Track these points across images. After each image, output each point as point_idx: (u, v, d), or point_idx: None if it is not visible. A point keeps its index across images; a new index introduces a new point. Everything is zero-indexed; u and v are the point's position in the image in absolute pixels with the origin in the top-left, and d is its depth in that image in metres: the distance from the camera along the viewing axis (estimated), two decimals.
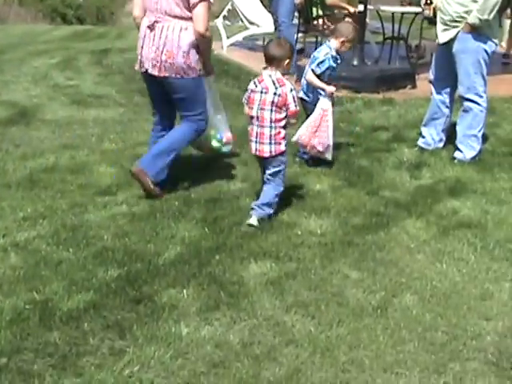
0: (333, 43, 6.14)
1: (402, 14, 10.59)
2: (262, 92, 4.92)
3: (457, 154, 6.47)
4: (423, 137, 6.82)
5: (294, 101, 4.91)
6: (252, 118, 4.99)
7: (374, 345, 3.50)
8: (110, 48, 13.49)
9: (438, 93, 6.68)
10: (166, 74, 5.25)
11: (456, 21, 6.25)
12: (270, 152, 4.96)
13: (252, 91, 4.99)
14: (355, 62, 9.44)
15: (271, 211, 5.03)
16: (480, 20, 6.09)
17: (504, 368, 3.34)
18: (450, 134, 6.77)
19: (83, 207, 5.22)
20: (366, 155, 6.52)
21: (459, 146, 6.47)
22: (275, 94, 4.88)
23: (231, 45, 12.21)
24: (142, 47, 5.31)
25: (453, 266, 4.37)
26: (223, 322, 3.70)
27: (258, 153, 5.02)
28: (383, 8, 10.76)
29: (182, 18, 5.13)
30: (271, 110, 4.90)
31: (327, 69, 6.08)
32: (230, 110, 7.29)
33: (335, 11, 10.37)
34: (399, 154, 6.64)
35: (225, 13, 12.86)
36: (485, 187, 5.77)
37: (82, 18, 56.67)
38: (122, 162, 6.22)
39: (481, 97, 6.39)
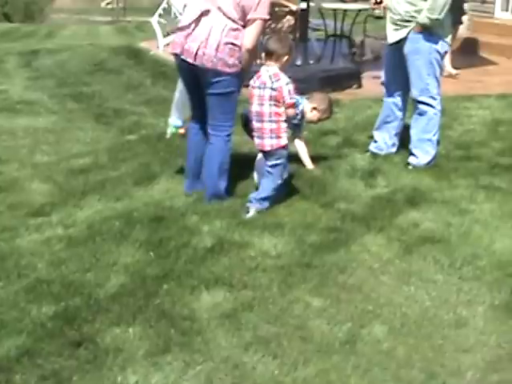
0: (306, 104, 5.78)
1: (345, 11, 10.30)
2: (259, 87, 5.04)
3: (411, 160, 6.18)
4: (375, 141, 6.51)
5: (290, 93, 5.01)
6: (252, 113, 5.11)
7: None
8: (39, 49, 12.83)
9: (390, 95, 6.37)
10: (206, 65, 4.99)
11: (406, 20, 5.95)
12: (271, 146, 5.06)
13: (252, 87, 5.11)
14: (298, 62, 9.12)
15: (268, 204, 5.10)
16: (430, 19, 5.80)
17: None
18: (403, 137, 6.48)
19: (14, 231, 4.74)
20: (317, 163, 6.13)
21: (414, 150, 6.17)
22: (272, 88, 4.98)
23: (168, 44, 11.72)
24: (187, 33, 5.05)
25: (421, 289, 4.03)
26: (175, 366, 3.28)
27: (259, 147, 5.15)
28: (325, 5, 10.46)
29: (233, 20, 4.99)
30: (270, 105, 5.00)
31: None
32: (169, 116, 6.90)
33: (276, 9, 9.96)
34: (351, 160, 6.30)
35: (160, 11, 12.35)
36: (444, 195, 5.47)
37: (9, 14, 55.25)
38: (55, 177, 5.77)
39: (435, 99, 6.11)
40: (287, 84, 5.00)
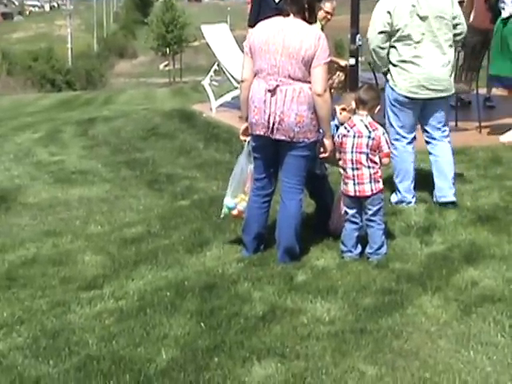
0: (336, 107, 5.70)
1: None
2: (354, 136, 5.10)
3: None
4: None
5: (387, 143, 5.16)
6: (345, 161, 5.14)
7: None
8: (95, 117, 13.10)
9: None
10: (288, 137, 5.04)
11: None
12: (372, 190, 5.12)
13: (344, 136, 5.15)
14: None
15: (385, 250, 5.24)
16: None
17: None
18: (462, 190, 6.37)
19: (66, 306, 4.73)
20: None
21: None
22: (369, 137, 5.08)
23: (220, 106, 11.85)
24: (263, 111, 5.04)
25: (481, 353, 3.86)
26: None
27: (358, 193, 5.14)
28: None
29: (303, 81, 5.02)
30: (367, 153, 5.07)
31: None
32: (223, 179, 6.90)
33: None
34: (406, 216, 6.15)
35: (211, 73, 12.50)
36: (503, 251, 5.28)
37: (71, 82, 57.02)
38: (108, 248, 5.77)
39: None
40: (383, 134, 5.14)
